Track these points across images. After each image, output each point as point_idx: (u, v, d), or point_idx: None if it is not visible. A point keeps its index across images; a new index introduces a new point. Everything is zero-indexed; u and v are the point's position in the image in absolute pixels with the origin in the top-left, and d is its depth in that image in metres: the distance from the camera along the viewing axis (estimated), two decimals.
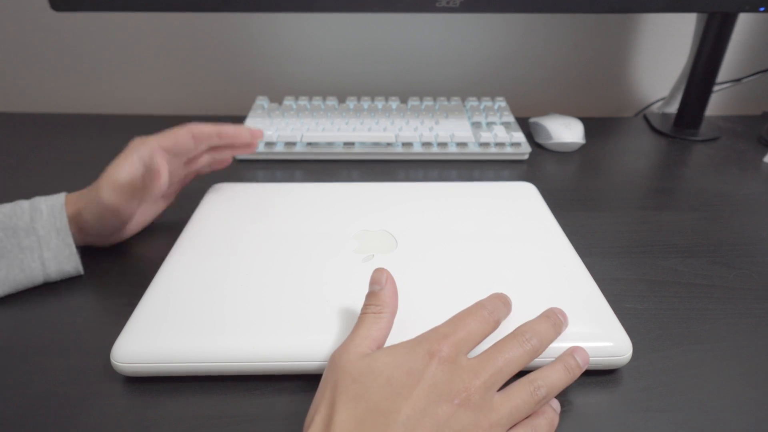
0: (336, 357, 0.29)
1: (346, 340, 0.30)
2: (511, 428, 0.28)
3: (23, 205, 0.41)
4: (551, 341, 0.32)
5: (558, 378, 0.30)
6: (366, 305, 0.32)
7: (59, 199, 0.42)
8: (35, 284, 0.40)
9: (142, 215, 0.46)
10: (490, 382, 0.28)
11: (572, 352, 0.32)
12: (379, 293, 0.32)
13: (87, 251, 0.45)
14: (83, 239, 0.43)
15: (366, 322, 0.31)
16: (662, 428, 0.31)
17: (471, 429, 0.26)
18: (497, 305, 0.32)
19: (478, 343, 0.30)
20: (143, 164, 0.41)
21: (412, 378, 0.26)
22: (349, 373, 0.27)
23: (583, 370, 0.31)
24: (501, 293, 0.34)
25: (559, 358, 0.31)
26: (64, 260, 0.41)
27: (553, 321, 0.32)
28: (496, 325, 0.31)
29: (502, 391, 0.28)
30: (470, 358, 0.29)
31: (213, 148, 0.48)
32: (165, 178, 0.41)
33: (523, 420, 0.28)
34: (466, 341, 0.29)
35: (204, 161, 0.48)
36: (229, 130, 0.46)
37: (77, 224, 0.42)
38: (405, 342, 0.29)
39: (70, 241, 0.41)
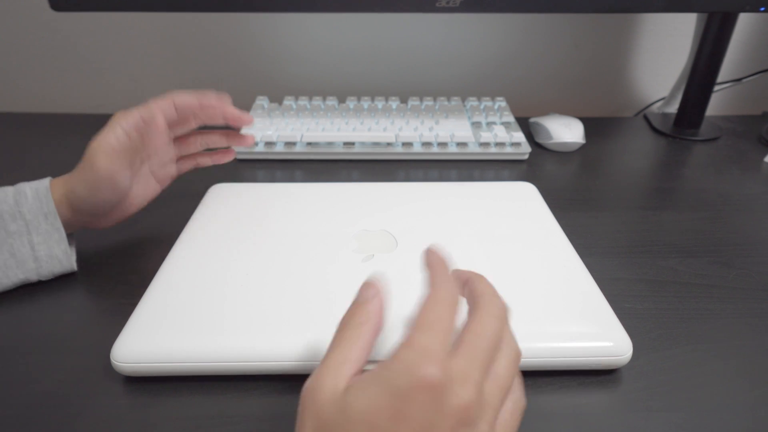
0: (309, 393, 0.23)
1: (320, 366, 0.24)
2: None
3: (6, 190, 0.41)
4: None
5: (505, 328, 0.25)
6: (347, 315, 0.26)
7: (44, 183, 0.41)
8: (27, 274, 0.40)
9: (136, 196, 0.44)
10: (480, 377, 0.23)
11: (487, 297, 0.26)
12: (365, 304, 0.26)
13: (86, 251, 0.45)
14: (78, 219, 0.42)
15: (344, 339, 0.25)
16: (662, 428, 0.31)
17: None
18: (447, 281, 0.26)
19: (457, 326, 0.25)
20: (129, 133, 0.41)
21: (396, 421, 0.21)
22: (324, 420, 0.22)
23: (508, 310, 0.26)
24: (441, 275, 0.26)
25: (480, 310, 0.25)
26: (54, 244, 0.40)
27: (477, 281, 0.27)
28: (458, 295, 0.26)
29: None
30: (453, 354, 0.23)
31: (204, 131, 0.47)
32: (163, 126, 0.41)
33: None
34: (444, 338, 0.23)
35: (197, 144, 0.47)
36: (210, 100, 0.43)
37: (70, 204, 0.41)
38: (383, 369, 0.22)
39: (59, 225, 0.40)
